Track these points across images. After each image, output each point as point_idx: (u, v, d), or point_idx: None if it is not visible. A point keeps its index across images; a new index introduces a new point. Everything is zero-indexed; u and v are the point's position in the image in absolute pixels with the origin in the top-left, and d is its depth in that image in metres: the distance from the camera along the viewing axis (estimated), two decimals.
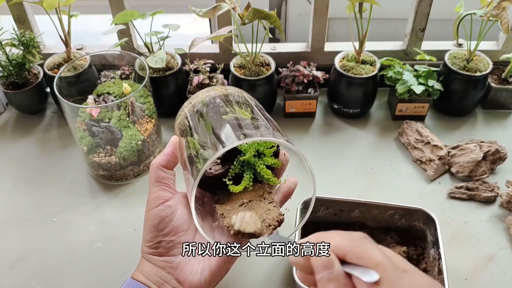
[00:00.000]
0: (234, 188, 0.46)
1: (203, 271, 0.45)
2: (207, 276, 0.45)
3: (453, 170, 0.79)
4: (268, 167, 0.49)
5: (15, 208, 0.77)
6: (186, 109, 0.52)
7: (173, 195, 0.48)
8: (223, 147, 0.42)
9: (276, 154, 0.51)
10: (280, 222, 0.45)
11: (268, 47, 0.95)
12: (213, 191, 0.50)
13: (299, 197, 0.64)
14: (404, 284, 0.34)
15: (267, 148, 0.49)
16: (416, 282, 0.34)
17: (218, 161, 0.47)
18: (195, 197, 0.45)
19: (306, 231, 0.67)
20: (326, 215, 0.67)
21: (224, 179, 0.47)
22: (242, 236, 0.44)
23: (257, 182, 0.49)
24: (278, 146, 0.51)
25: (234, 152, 0.48)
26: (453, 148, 0.81)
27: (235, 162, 0.47)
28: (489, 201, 0.75)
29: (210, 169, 0.46)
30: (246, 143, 0.47)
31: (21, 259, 0.69)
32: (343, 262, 0.37)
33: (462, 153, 0.79)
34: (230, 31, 0.77)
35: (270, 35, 0.82)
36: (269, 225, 0.44)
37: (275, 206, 0.47)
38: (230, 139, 0.43)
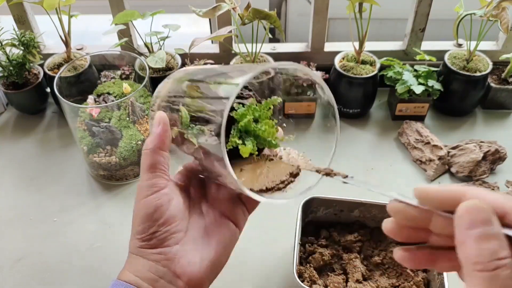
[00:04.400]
0: (244, 149, 0.41)
1: (202, 260, 0.41)
2: (207, 266, 0.41)
3: (453, 170, 0.79)
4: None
5: (15, 208, 0.77)
6: (164, 89, 0.46)
7: (168, 182, 0.42)
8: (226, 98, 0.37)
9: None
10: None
11: (268, 47, 0.95)
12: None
13: (300, 197, 0.64)
14: None
15: (265, 111, 0.44)
16: None
17: (212, 133, 0.41)
18: (182, 187, 0.43)
19: (305, 231, 0.67)
20: (326, 215, 0.67)
21: (227, 146, 0.40)
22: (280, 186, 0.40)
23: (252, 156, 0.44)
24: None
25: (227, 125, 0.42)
26: (453, 148, 0.81)
27: (232, 131, 0.42)
28: None
29: (206, 140, 0.40)
30: (243, 106, 0.42)
31: (22, 258, 0.69)
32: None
33: (462, 153, 0.79)
34: (230, 31, 0.77)
35: (270, 35, 0.82)
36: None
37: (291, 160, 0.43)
38: (250, 70, 0.37)
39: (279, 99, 0.45)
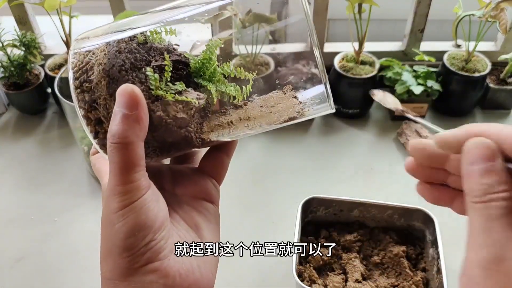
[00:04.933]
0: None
1: (204, 263, 0.34)
2: (212, 265, 0.35)
3: None
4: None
5: (16, 208, 0.77)
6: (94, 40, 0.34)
7: (148, 179, 0.32)
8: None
9: None
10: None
11: (267, 48, 0.95)
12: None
13: (299, 197, 0.64)
14: None
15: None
16: None
17: (189, 89, 0.33)
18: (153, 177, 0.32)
19: (305, 230, 0.67)
20: (325, 215, 0.67)
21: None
22: None
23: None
24: None
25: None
26: None
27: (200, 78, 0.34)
28: None
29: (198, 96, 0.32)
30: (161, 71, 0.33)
31: (22, 258, 0.69)
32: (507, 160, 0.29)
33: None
34: (231, 34, 0.78)
35: (271, 37, 0.82)
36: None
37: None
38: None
39: (219, 42, 0.38)
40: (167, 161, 0.40)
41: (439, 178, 0.34)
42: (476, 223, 0.27)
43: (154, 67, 0.32)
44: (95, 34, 0.35)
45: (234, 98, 0.36)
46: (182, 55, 0.35)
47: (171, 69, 0.32)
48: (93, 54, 0.32)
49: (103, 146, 0.34)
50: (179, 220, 0.35)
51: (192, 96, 0.32)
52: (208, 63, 0.35)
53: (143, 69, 0.32)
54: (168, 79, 0.32)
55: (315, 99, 0.37)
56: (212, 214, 0.37)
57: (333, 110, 0.35)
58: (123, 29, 0.35)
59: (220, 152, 0.38)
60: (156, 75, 0.31)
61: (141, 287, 0.31)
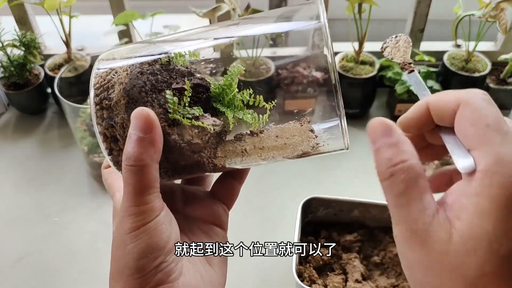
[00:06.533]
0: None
1: (205, 283, 0.34)
2: (213, 285, 0.35)
3: None
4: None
5: (16, 208, 0.77)
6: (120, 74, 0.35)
7: (162, 200, 0.32)
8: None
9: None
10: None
11: (268, 52, 0.95)
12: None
13: (299, 197, 0.64)
14: None
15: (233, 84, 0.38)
16: None
17: (208, 115, 0.34)
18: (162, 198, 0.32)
19: (305, 231, 0.67)
20: (325, 215, 0.67)
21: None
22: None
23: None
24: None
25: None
26: None
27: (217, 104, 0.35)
28: None
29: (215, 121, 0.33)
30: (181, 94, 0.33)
31: (22, 258, 0.69)
32: (450, 131, 0.28)
33: None
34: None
35: (271, 42, 0.82)
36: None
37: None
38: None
39: (241, 68, 0.38)
40: (178, 180, 0.40)
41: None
42: (389, 201, 0.27)
43: (174, 90, 0.33)
44: (120, 53, 0.36)
45: (251, 125, 0.36)
46: (204, 79, 0.36)
47: (190, 94, 0.33)
48: (116, 72, 0.33)
49: (117, 163, 0.34)
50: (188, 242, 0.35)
51: (208, 122, 0.33)
52: (228, 89, 0.36)
53: (163, 92, 0.32)
54: (187, 104, 0.33)
55: (332, 134, 0.37)
56: (221, 239, 0.37)
57: (347, 150, 0.35)
58: (148, 53, 0.35)
59: (233, 179, 0.39)
60: (175, 99, 0.32)
61: None
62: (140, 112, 0.29)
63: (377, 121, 0.28)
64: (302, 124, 0.38)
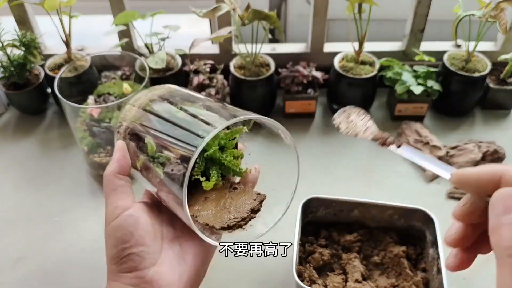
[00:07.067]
0: (207, 185, 0.43)
1: (180, 278, 0.41)
2: (186, 282, 0.42)
3: None
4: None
5: (16, 208, 0.77)
6: (131, 112, 0.47)
7: (132, 203, 0.43)
8: (190, 144, 0.39)
9: (235, 146, 0.48)
10: (261, 201, 0.45)
11: (268, 48, 0.95)
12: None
13: (299, 197, 0.64)
14: None
15: (229, 141, 0.46)
16: None
17: (178, 161, 0.42)
18: (152, 209, 0.43)
19: (305, 230, 0.67)
20: (325, 215, 0.67)
21: (193, 178, 0.43)
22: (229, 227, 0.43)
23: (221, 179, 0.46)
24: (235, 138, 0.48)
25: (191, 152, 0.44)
26: (452, 148, 0.81)
27: (198, 160, 0.43)
28: None
29: (172, 170, 0.41)
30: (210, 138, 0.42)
31: (22, 258, 0.69)
32: None
33: (461, 153, 0.80)
34: (230, 32, 0.78)
35: (270, 36, 0.82)
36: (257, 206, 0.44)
37: (249, 192, 0.46)
38: (214, 122, 0.40)
39: (245, 128, 0.46)
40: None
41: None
42: (508, 278, 0.26)
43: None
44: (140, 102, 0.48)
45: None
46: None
47: (153, 145, 0.43)
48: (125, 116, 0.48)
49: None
50: (173, 242, 0.43)
51: (168, 168, 0.41)
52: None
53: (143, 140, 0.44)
54: (154, 150, 0.43)
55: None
56: (205, 244, 0.42)
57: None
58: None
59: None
60: (150, 146, 0.43)
61: (127, 286, 0.39)
62: (116, 143, 0.45)
63: (510, 192, 0.28)
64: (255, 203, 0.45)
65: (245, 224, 0.43)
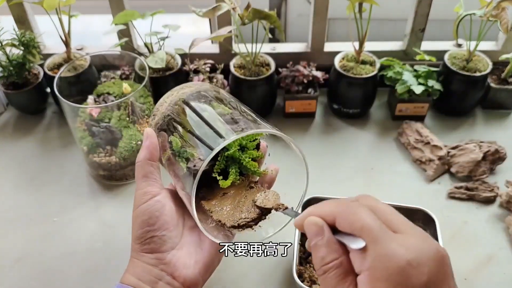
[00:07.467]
0: (224, 183, 0.46)
1: (196, 263, 0.46)
2: (201, 268, 0.46)
3: (452, 170, 0.79)
4: (252, 159, 0.49)
5: (15, 208, 0.77)
6: (162, 107, 0.51)
7: (160, 190, 0.47)
8: (209, 146, 0.42)
9: (257, 146, 0.51)
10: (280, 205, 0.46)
11: (268, 47, 0.95)
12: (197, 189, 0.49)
13: (299, 197, 0.64)
14: (392, 246, 0.31)
15: (250, 141, 0.48)
16: (405, 243, 0.32)
17: (201, 157, 0.45)
18: (176, 197, 0.46)
19: None
20: None
21: (213, 175, 0.46)
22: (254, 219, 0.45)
23: (240, 176, 0.49)
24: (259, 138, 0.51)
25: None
26: (453, 148, 0.81)
27: (219, 158, 0.46)
28: (488, 201, 0.75)
29: (194, 166, 0.44)
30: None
31: (21, 258, 0.69)
32: (335, 229, 0.35)
33: (461, 153, 0.79)
34: (230, 31, 0.77)
35: (270, 35, 0.82)
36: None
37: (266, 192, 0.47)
38: (226, 134, 0.43)
39: (262, 134, 0.48)
40: None
41: None
42: None
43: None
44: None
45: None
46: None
47: (178, 142, 0.47)
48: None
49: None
50: (192, 229, 0.48)
51: (191, 163, 0.44)
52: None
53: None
54: (179, 147, 0.46)
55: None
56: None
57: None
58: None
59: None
60: (175, 143, 0.47)
61: (147, 266, 0.44)
62: (145, 130, 0.48)
63: (310, 221, 0.36)
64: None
65: (255, 224, 0.45)
